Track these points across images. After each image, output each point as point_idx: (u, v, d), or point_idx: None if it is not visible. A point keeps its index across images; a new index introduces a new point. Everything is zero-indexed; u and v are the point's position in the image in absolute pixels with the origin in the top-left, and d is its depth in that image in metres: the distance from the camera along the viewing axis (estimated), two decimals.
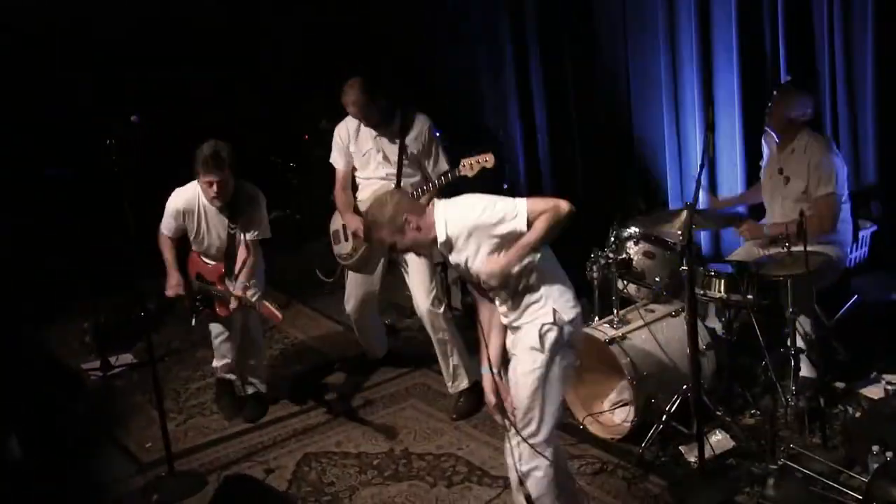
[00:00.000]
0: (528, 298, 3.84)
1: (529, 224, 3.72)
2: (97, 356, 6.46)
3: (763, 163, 5.50)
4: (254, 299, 5.06)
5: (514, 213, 3.74)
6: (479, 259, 3.81)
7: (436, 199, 3.97)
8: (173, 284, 5.42)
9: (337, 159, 5.69)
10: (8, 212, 7.31)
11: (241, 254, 5.32)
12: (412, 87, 6.03)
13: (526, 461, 3.89)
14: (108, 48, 7.66)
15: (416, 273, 5.52)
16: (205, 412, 5.87)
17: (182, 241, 5.52)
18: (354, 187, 5.72)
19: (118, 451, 5.52)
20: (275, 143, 8.32)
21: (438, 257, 6.08)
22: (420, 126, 5.49)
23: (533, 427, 3.87)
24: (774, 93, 5.32)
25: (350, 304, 5.89)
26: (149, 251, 5.04)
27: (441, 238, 3.83)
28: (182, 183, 5.41)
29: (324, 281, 6.20)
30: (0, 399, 5.52)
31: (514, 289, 3.84)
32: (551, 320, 3.81)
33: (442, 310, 5.53)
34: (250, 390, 5.76)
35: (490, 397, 3.99)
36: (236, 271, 5.31)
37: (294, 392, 5.98)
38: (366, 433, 5.44)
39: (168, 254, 5.45)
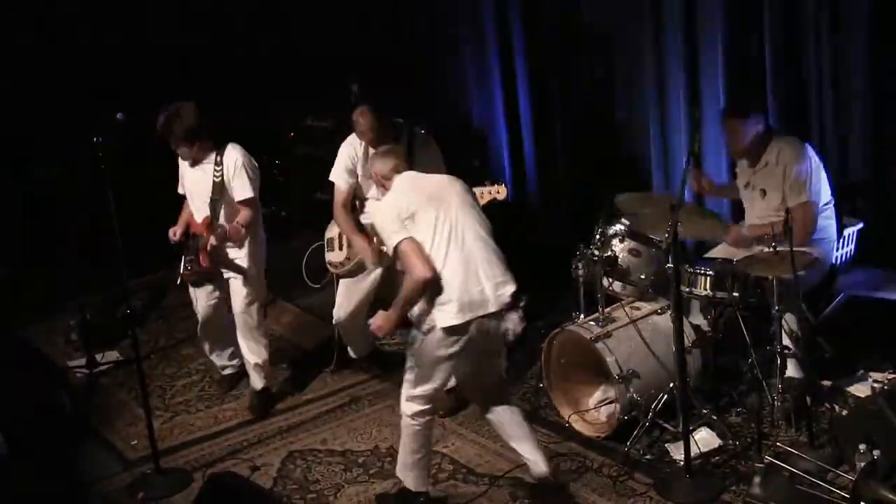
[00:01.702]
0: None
1: (395, 251, 4.31)
2: (83, 353, 6.43)
3: (737, 177, 5.49)
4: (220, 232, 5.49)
5: (388, 241, 4.33)
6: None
7: (398, 176, 4.49)
8: (177, 231, 5.69)
9: (340, 177, 5.59)
10: None
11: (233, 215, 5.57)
12: (396, 85, 6.03)
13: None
14: (93, 48, 7.63)
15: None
16: (190, 409, 5.85)
17: None
18: (354, 206, 5.68)
19: (104, 449, 5.51)
20: (259, 141, 8.29)
21: None
22: (426, 146, 5.50)
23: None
24: (721, 122, 5.34)
25: (340, 313, 5.80)
26: (134, 248, 5.02)
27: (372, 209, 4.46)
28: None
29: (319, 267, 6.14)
30: None
31: None
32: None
33: None
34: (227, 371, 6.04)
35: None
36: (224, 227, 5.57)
37: (279, 390, 5.97)
38: (351, 431, 5.43)
39: (184, 211, 5.79)
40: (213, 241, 5.48)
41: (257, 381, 5.77)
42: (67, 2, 7.62)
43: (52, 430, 5.64)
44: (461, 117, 7.59)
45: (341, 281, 5.81)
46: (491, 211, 6.79)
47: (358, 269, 5.67)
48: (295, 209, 8.08)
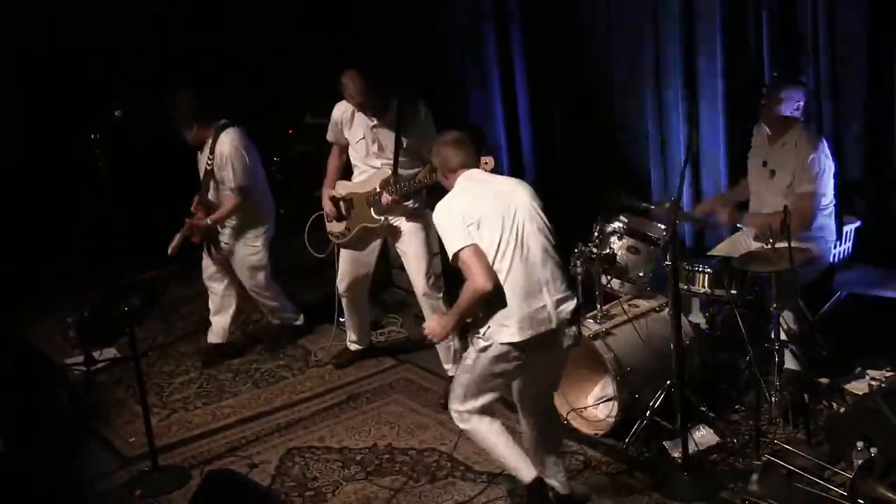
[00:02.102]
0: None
1: (455, 258, 4.09)
2: (81, 351, 6.43)
3: (751, 152, 5.49)
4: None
5: (450, 247, 4.12)
6: None
7: (464, 173, 4.27)
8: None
9: (330, 136, 5.76)
10: None
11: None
12: (394, 83, 6.04)
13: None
14: (93, 47, 7.61)
15: (414, 259, 5.55)
16: (188, 407, 5.85)
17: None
18: (351, 169, 5.74)
19: (102, 446, 5.51)
20: (258, 138, 8.28)
21: (437, 247, 6.11)
22: (417, 114, 5.46)
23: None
24: (764, 89, 5.32)
25: (343, 283, 5.89)
26: (132, 246, 5.02)
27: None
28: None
29: (317, 257, 6.19)
30: None
31: None
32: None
33: (441, 295, 5.55)
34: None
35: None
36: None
37: (277, 387, 5.96)
38: (349, 428, 5.43)
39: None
40: (201, 223, 6.03)
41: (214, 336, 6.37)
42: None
43: (50, 428, 5.63)
44: (459, 116, 7.58)
45: (342, 251, 5.83)
46: None
47: (358, 239, 5.69)
48: (292, 207, 8.07)
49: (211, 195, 6.07)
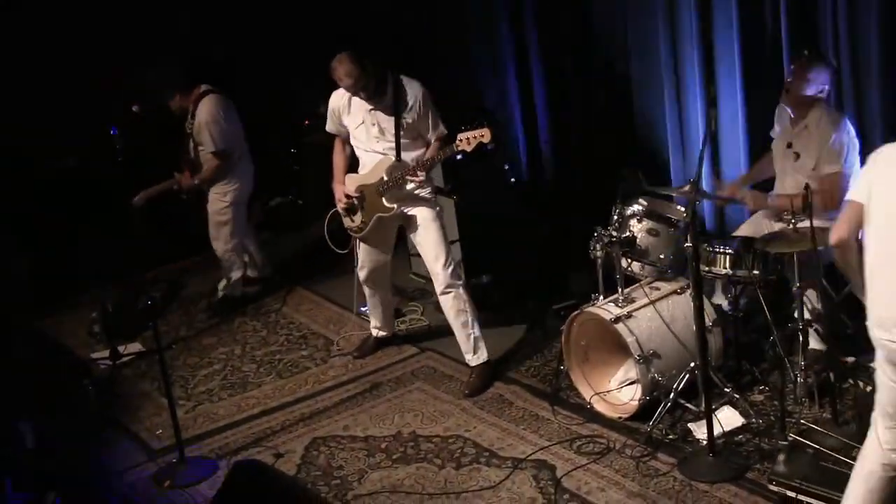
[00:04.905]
0: None
1: None
2: (105, 346, 6.46)
3: (775, 133, 5.46)
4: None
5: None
6: None
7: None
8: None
9: (329, 127, 5.73)
10: (10, 202, 7.30)
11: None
12: (409, 68, 6.04)
13: None
14: (108, 40, 7.62)
15: (430, 249, 5.54)
16: (213, 398, 5.88)
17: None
18: (356, 157, 5.72)
19: (129, 439, 5.55)
20: (274, 130, 8.29)
21: (454, 234, 6.12)
22: (414, 94, 5.41)
23: None
24: (791, 67, 5.27)
25: (363, 271, 5.90)
26: (152, 239, 5.05)
27: None
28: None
29: (338, 254, 6.20)
30: (13, 388, 5.53)
31: None
32: None
33: (461, 283, 5.55)
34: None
35: None
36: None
37: (300, 377, 5.99)
38: (373, 417, 5.45)
39: None
40: (188, 183, 6.63)
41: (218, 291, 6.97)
42: None
43: (78, 422, 5.67)
44: (474, 101, 7.56)
45: (360, 242, 5.84)
46: (507, 194, 6.93)
47: (376, 230, 5.68)
48: (309, 197, 8.09)
49: (193, 156, 6.62)
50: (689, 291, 4.99)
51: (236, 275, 6.96)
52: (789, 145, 5.25)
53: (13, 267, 7.16)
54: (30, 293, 7.14)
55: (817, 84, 5.12)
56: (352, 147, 5.70)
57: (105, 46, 7.47)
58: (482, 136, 5.18)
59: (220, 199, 6.71)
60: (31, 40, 7.39)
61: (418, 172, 5.35)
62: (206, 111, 6.44)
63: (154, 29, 7.65)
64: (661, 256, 5.19)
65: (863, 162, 5.08)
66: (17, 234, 7.26)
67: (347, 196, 5.66)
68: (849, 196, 3.78)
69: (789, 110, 5.25)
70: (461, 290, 5.55)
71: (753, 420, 4.84)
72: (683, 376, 4.95)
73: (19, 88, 7.34)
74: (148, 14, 7.71)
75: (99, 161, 7.02)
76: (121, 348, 6.40)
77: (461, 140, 5.20)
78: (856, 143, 5.12)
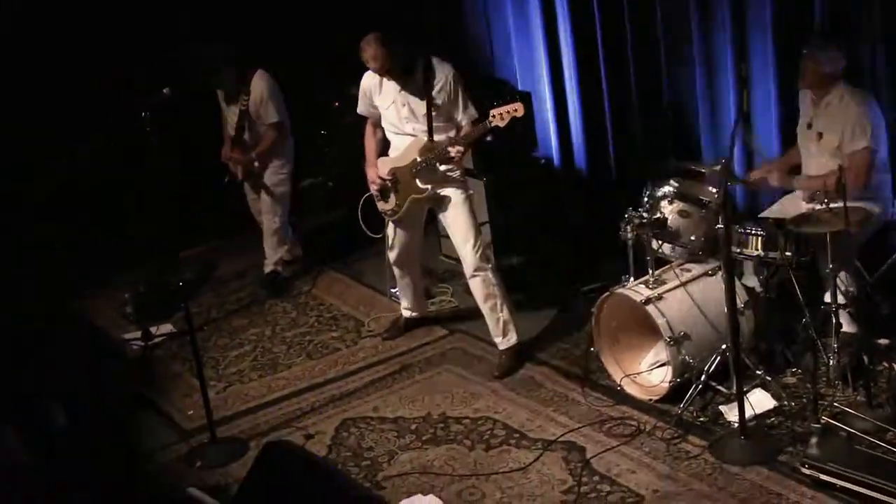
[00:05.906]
0: None
1: None
2: (138, 327, 6.52)
3: (800, 115, 5.40)
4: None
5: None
6: None
7: None
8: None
9: (361, 108, 5.75)
10: (43, 186, 7.35)
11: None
12: (438, 48, 6.03)
13: None
14: (137, 24, 7.63)
15: (460, 231, 5.54)
16: (244, 379, 5.92)
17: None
18: (387, 142, 5.72)
19: (161, 420, 5.60)
20: (304, 111, 8.27)
21: (483, 216, 6.09)
22: (444, 75, 5.40)
23: None
24: (804, 52, 5.21)
25: (393, 252, 5.91)
26: (184, 220, 5.08)
27: None
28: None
29: (371, 237, 6.41)
30: (44, 367, 5.59)
31: None
32: None
33: (490, 265, 5.54)
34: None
35: None
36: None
37: (330, 358, 6.01)
38: (403, 398, 5.46)
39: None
40: (244, 158, 6.71)
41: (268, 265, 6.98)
42: None
43: (110, 402, 5.73)
44: (503, 81, 7.52)
45: (391, 224, 5.85)
46: (536, 177, 6.90)
47: (410, 212, 5.68)
48: (340, 179, 8.08)
49: (247, 133, 6.65)
50: (720, 273, 4.95)
51: (282, 250, 7.02)
52: (809, 126, 5.19)
53: (55, 251, 7.22)
54: (65, 274, 7.18)
55: (832, 63, 5.05)
56: (383, 131, 5.70)
57: (141, 29, 7.50)
58: (515, 110, 5.16)
59: (278, 171, 6.76)
60: (57, 34, 7.41)
61: (456, 148, 5.33)
62: (263, 85, 6.55)
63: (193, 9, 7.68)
64: (693, 238, 5.16)
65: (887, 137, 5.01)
66: (55, 218, 7.31)
67: (381, 179, 5.66)
68: None
69: (811, 92, 5.20)
70: (490, 274, 5.53)
71: (785, 403, 4.81)
72: (714, 358, 4.92)
73: (58, 77, 7.39)
74: None
75: (131, 145, 7.04)
76: (152, 329, 6.46)
77: (494, 115, 5.18)
78: (881, 116, 5.05)
